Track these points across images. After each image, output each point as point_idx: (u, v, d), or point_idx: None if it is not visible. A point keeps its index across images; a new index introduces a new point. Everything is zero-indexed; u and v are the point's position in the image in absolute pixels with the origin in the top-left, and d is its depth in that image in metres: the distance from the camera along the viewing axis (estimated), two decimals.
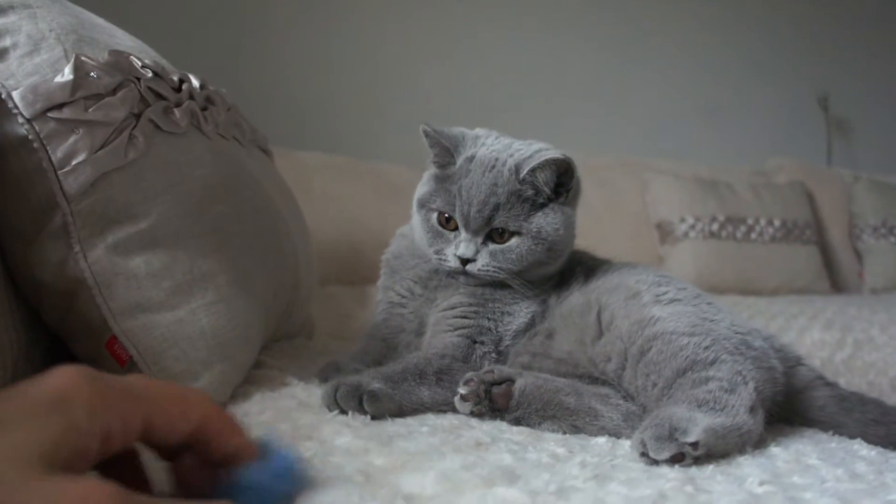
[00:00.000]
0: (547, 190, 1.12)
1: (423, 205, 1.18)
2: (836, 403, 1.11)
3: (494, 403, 0.98)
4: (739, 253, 3.28)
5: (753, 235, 3.34)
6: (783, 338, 2.24)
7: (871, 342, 2.23)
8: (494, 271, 1.11)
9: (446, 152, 1.16)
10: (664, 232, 3.34)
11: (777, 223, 3.39)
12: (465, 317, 1.13)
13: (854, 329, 2.28)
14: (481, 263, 1.11)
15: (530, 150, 1.14)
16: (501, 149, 1.15)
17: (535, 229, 1.11)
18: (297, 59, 3.37)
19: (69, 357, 0.97)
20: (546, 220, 1.12)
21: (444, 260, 1.14)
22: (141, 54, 1.04)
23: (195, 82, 1.14)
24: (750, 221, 3.36)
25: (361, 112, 3.45)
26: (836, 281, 3.56)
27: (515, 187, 1.11)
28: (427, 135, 1.16)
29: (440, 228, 1.15)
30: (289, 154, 2.53)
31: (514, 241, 1.11)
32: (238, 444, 0.53)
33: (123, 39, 1.08)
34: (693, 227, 3.27)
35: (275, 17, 3.35)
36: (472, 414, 0.97)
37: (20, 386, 0.44)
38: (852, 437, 1.04)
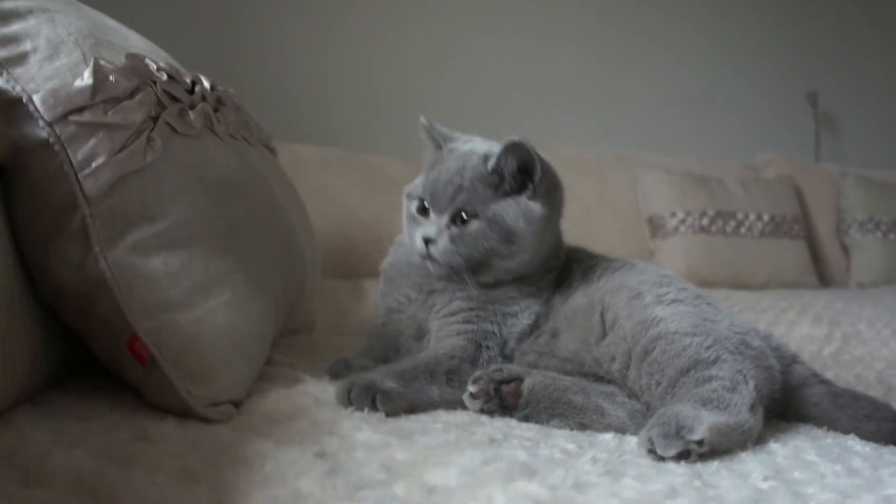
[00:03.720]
0: (510, 178, 1.15)
1: (407, 195, 1.24)
2: (830, 400, 1.15)
3: (504, 401, 1.00)
4: (729, 247, 3.31)
5: (743, 230, 3.37)
6: (774, 333, 2.30)
7: (858, 336, 2.27)
8: (451, 255, 1.13)
9: (436, 144, 1.24)
10: (655, 226, 3.36)
11: (766, 218, 3.42)
12: (468, 321, 1.15)
13: (842, 323, 2.33)
14: (441, 245, 1.14)
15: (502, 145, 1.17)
16: (479, 144, 1.22)
17: (490, 214, 1.14)
18: (292, 51, 3.38)
19: (85, 355, 0.98)
20: (505, 209, 1.15)
21: (414, 244, 1.17)
22: (154, 56, 1.05)
23: (206, 84, 1.15)
24: (739, 216, 3.39)
25: (356, 105, 3.46)
26: (823, 275, 3.59)
27: (482, 173, 1.15)
28: (423, 127, 1.25)
29: (416, 215, 1.20)
30: (283, 146, 2.51)
31: (472, 224, 1.14)
32: None
33: (136, 41, 1.10)
34: (683, 221, 3.30)
35: (270, 9, 3.35)
36: (482, 411, 1.00)
37: None
38: (846, 432, 1.08)
